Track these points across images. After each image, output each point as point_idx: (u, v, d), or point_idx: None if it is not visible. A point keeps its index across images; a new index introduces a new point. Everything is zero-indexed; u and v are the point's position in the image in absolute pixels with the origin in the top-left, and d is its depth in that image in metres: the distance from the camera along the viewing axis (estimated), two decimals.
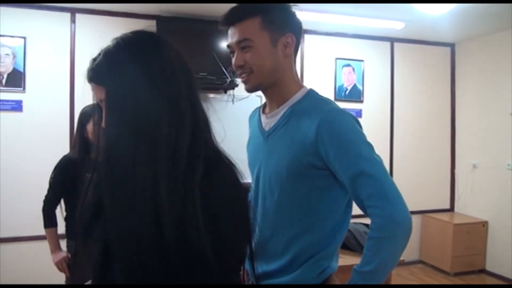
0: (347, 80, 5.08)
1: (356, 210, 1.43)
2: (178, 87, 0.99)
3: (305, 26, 5.34)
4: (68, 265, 2.58)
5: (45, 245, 2.69)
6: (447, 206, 5.50)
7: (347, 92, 5.07)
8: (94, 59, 1.02)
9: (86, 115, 2.57)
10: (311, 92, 1.49)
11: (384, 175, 1.31)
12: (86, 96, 1.28)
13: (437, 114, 5.46)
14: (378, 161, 1.33)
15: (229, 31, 1.45)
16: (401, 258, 3.02)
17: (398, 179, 5.24)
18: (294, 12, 1.47)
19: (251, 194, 1.57)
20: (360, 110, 5.11)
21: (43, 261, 2.79)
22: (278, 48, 1.42)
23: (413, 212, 5.27)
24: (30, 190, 3.73)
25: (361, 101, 5.11)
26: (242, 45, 1.41)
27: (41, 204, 2.65)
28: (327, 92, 4.94)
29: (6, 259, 3.85)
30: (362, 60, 5.12)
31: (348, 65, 5.08)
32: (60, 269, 2.61)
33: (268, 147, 1.50)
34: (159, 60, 1.00)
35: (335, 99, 4.97)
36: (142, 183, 0.91)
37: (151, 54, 1.00)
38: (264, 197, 1.49)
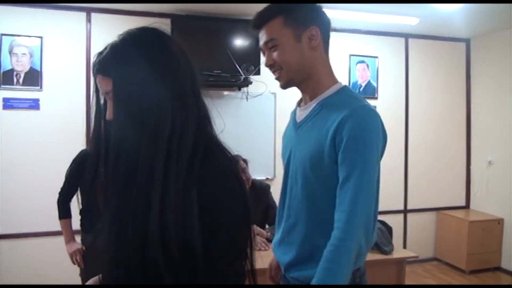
0: (361, 76, 5.07)
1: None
2: (183, 81, 1.01)
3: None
4: (83, 257, 2.63)
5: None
6: (463, 203, 5.46)
7: (361, 88, 5.05)
8: (100, 53, 1.05)
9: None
10: (344, 88, 1.53)
11: (363, 190, 1.36)
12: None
13: (452, 111, 5.41)
14: (369, 183, 1.38)
15: (259, 34, 1.53)
16: (415, 255, 3.02)
17: (413, 176, 5.24)
18: (319, 6, 1.51)
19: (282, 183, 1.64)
20: (375, 107, 5.04)
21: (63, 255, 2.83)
22: (303, 42, 1.47)
23: (428, 209, 5.29)
24: (47, 187, 3.79)
25: (376, 98, 5.09)
26: (269, 45, 1.49)
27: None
28: None
29: (28, 254, 3.94)
30: (377, 57, 5.10)
31: (362, 61, 5.06)
32: (73, 261, 2.65)
33: (298, 138, 1.56)
34: (164, 55, 1.01)
35: None
36: (144, 175, 0.93)
37: (157, 49, 1.02)
38: (291, 186, 1.56)
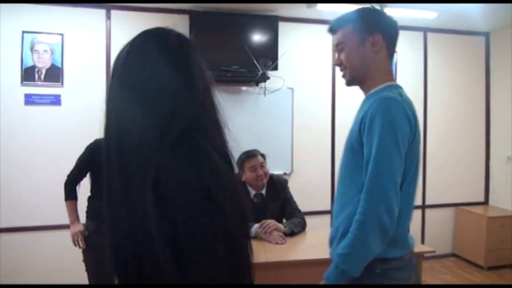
0: None
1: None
2: (193, 75, 1.06)
3: (328, 19, 5.27)
4: (85, 240, 2.70)
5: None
6: (481, 199, 5.41)
7: None
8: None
9: None
10: (389, 84, 1.70)
11: (382, 172, 1.50)
12: None
13: (471, 105, 5.36)
14: (384, 166, 1.51)
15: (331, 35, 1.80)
16: (433, 249, 3.02)
17: (432, 171, 5.22)
18: (384, 15, 1.72)
19: None
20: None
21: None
22: (366, 46, 1.68)
23: (446, 205, 5.25)
24: None
25: None
26: (338, 48, 1.76)
27: (82, 194, 2.81)
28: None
29: (55, 244, 4.05)
30: (395, 51, 5.05)
31: None
32: (75, 242, 2.71)
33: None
34: (180, 50, 1.09)
35: None
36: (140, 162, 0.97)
37: (173, 44, 1.09)
38: (339, 169, 1.76)
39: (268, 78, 4.44)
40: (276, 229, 2.98)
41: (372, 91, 1.69)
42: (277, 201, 3.30)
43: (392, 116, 1.52)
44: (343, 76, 1.77)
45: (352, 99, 4.90)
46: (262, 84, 4.58)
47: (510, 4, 4.14)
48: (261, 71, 4.39)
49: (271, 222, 3.00)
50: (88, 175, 2.80)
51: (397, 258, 1.59)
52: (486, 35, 5.32)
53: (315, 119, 4.85)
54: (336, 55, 1.79)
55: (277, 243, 2.90)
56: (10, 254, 3.97)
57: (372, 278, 1.57)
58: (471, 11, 4.35)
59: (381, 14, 1.72)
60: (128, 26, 4.16)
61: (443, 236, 5.30)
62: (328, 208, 4.71)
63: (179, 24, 4.18)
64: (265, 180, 3.23)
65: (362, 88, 1.76)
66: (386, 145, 1.50)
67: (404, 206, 1.58)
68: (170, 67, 1.04)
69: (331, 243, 1.71)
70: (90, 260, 2.70)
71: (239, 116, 4.43)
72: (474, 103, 5.37)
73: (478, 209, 5.14)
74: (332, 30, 1.79)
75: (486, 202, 5.40)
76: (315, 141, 4.84)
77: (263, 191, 3.27)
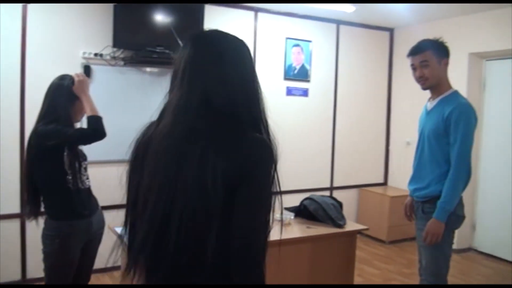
0: (296, 59, 5.25)
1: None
2: (249, 70, 1.28)
3: (258, 5, 5.35)
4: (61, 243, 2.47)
5: None
6: (381, 181, 5.96)
7: (296, 71, 5.25)
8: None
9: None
10: (455, 92, 2.69)
11: (463, 150, 2.55)
12: None
13: (376, 95, 5.84)
14: (467, 146, 2.56)
15: (412, 57, 2.72)
16: (367, 227, 3.33)
17: (339, 156, 5.59)
18: (446, 45, 2.70)
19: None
20: (307, 89, 5.32)
21: None
22: (442, 65, 2.67)
23: (351, 186, 5.68)
24: None
25: (308, 81, 5.32)
26: (422, 64, 2.66)
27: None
28: (276, 71, 5.09)
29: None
30: (310, 41, 5.31)
31: (297, 45, 5.25)
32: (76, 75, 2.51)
33: (428, 119, 2.76)
34: (237, 50, 1.28)
35: (284, 78, 5.15)
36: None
37: (232, 41, 1.29)
38: (422, 148, 2.78)
39: None
40: None
41: (443, 95, 2.68)
42: None
43: (468, 118, 2.56)
44: (423, 84, 2.71)
45: (271, 87, 5.04)
46: None
47: (413, 4, 4.58)
48: None
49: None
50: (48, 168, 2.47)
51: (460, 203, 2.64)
52: (391, 31, 5.82)
53: None
54: (417, 69, 2.70)
55: None
56: None
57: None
58: (384, 8, 4.73)
59: (444, 45, 2.69)
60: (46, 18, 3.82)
61: (348, 215, 5.61)
62: None
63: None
64: None
65: (433, 91, 2.74)
66: (464, 134, 2.53)
67: None
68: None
69: (414, 190, 2.83)
70: (61, 263, 2.47)
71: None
72: (378, 92, 5.85)
73: (379, 190, 5.65)
74: (415, 53, 2.69)
75: (385, 183, 5.96)
76: None
77: None
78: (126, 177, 1.30)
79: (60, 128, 2.39)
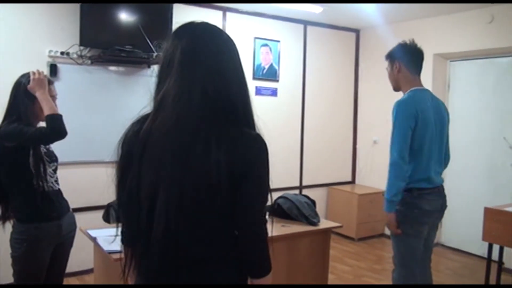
0: (265, 59, 5.27)
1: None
2: (240, 63, 1.34)
3: (226, 4, 5.32)
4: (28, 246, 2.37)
5: None
6: (349, 179, 6.05)
7: (265, 71, 5.26)
8: None
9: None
10: (408, 92, 2.81)
11: (394, 141, 2.70)
12: None
13: (343, 95, 5.93)
14: (394, 137, 2.71)
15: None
16: (340, 225, 3.38)
17: (308, 155, 5.64)
18: (401, 49, 2.87)
19: None
20: (276, 89, 5.34)
21: None
22: (394, 69, 2.88)
23: (320, 185, 5.74)
24: None
25: (277, 81, 5.34)
26: (387, 70, 2.95)
27: None
28: (246, 71, 5.03)
29: None
30: (279, 41, 5.34)
31: (266, 45, 5.26)
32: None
33: None
34: (229, 42, 1.33)
35: (253, 78, 5.15)
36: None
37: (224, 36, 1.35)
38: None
39: None
40: None
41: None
42: None
43: (399, 112, 2.73)
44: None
45: None
46: (155, 66, 4.46)
47: (380, 6, 4.68)
48: (156, 53, 4.26)
49: None
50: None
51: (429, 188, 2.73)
52: (357, 32, 5.91)
53: None
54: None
55: None
56: None
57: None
58: (351, 9, 4.80)
59: (399, 50, 2.88)
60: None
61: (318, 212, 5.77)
62: None
63: None
64: None
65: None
66: (395, 127, 2.72)
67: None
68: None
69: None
70: (30, 267, 2.37)
71: (131, 99, 4.26)
72: (345, 92, 5.94)
73: (347, 188, 5.74)
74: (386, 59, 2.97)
75: (353, 181, 6.05)
76: None
77: None
78: (116, 175, 1.26)
79: (21, 128, 2.29)
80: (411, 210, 2.67)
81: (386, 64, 2.92)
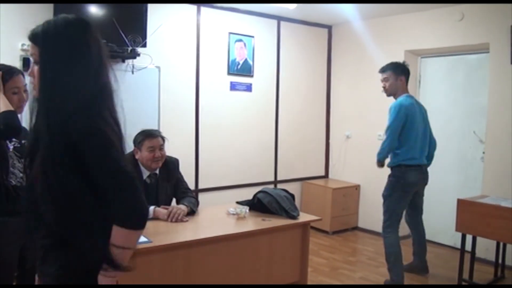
0: (239, 54, 5.26)
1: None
2: (98, 63, 1.46)
3: None
4: None
5: None
6: (322, 173, 6.13)
7: (239, 66, 5.26)
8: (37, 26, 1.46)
9: None
10: (401, 98, 3.84)
11: (388, 134, 3.79)
12: None
13: (316, 90, 5.99)
14: (390, 127, 3.78)
15: (380, 74, 3.97)
16: (320, 218, 3.47)
17: (282, 149, 5.68)
18: (403, 66, 3.94)
19: None
20: (251, 84, 5.35)
21: None
22: (398, 81, 3.88)
23: (294, 180, 5.79)
24: None
25: (252, 76, 5.35)
26: (384, 79, 3.92)
27: None
28: (220, 66, 5.08)
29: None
30: (253, 36, 5.34)
31: (240, 40, 5.26)
32: None
33: None
34: (85, 38, 1.47)
35: (228, 73, 5.15)
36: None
37: (80, 31, 1.46)
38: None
39: (138, 55, 4.28)
40: (178, 211, 2.99)
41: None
42: (171, 181, 3.30)
43: (394, 113, 3.76)
44: (385, 92, 3.97)
45: (214, 82, 5.08)
46: (129, 61, 4.40)
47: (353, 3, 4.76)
48: (130, 47, 4.21)
49: (178, 210, 2.98)
50: None
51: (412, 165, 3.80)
52: (329, 28, 5.98)
53: (180, 99, 4.85)
54: (382, 83, 3.96)
55: (182, 220, 2.93)
56: None
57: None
58: (324, 5, 4.85)
59: (401, 67, 3.91)
60: None
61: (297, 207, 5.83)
62: (193, 187, 4.79)
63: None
64: (161, 164, 3.19)
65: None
66: (390, 124, 3.77)
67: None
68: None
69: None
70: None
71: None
72: (318, 87, 6.01)
73: (321, 182, 5.81)
74: (382, 71, 3.95)
75: (326, 175, 6.13)
76: (181, 121, 4.86)
77: (157, 171, 3.22)
78: None
79: None
80: (398, 180, 3.76)
81: (381, 75, 3.95)
